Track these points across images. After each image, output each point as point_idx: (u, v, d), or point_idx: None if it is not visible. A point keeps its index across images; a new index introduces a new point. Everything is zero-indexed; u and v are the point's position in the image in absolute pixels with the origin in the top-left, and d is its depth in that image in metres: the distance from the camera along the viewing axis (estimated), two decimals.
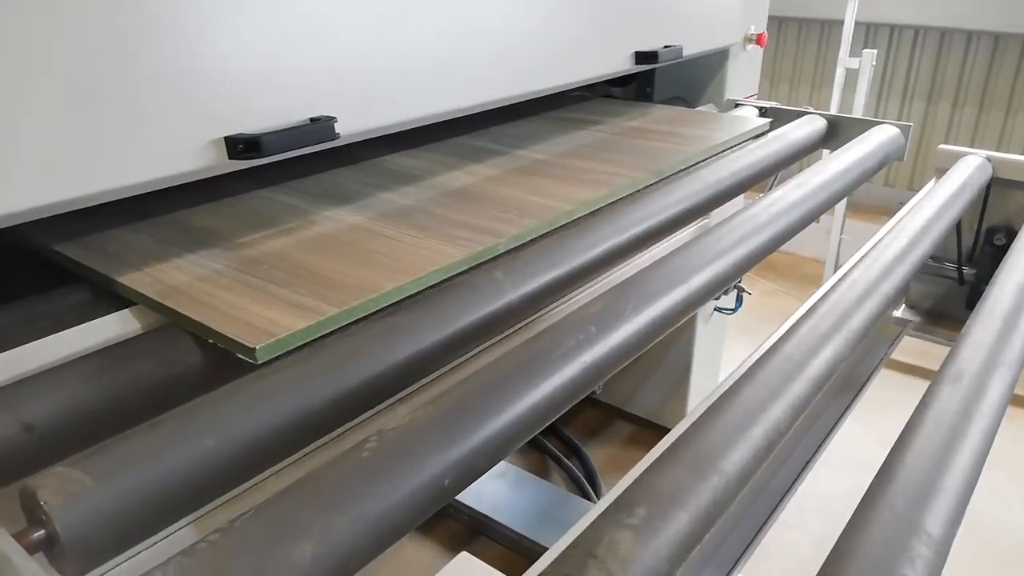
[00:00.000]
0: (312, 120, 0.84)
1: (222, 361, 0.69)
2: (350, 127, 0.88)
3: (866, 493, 0.53)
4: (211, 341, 0.68)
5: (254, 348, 0.63)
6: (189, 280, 0.76)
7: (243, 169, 0.81)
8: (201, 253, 0.83)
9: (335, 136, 0.84)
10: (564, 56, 1.22)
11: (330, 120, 0.84)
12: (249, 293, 0.73)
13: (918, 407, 0.62)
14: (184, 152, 0.75)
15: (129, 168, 0.72)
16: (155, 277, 0.77)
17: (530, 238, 0.89)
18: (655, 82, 1.83)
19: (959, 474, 0.54)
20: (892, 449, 0.57)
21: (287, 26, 0.81)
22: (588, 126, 1.38)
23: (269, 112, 0.82)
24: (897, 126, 1.55)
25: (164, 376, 0.68)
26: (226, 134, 0.77)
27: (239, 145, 0.78)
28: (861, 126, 1.55)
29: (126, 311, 0.74)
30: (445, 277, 0.79)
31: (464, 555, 0.47)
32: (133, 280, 0.76)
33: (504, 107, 1.17)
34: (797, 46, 3.72)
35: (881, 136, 1.45)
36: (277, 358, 0.65)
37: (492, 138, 1.29)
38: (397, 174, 1.11)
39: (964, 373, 0.65)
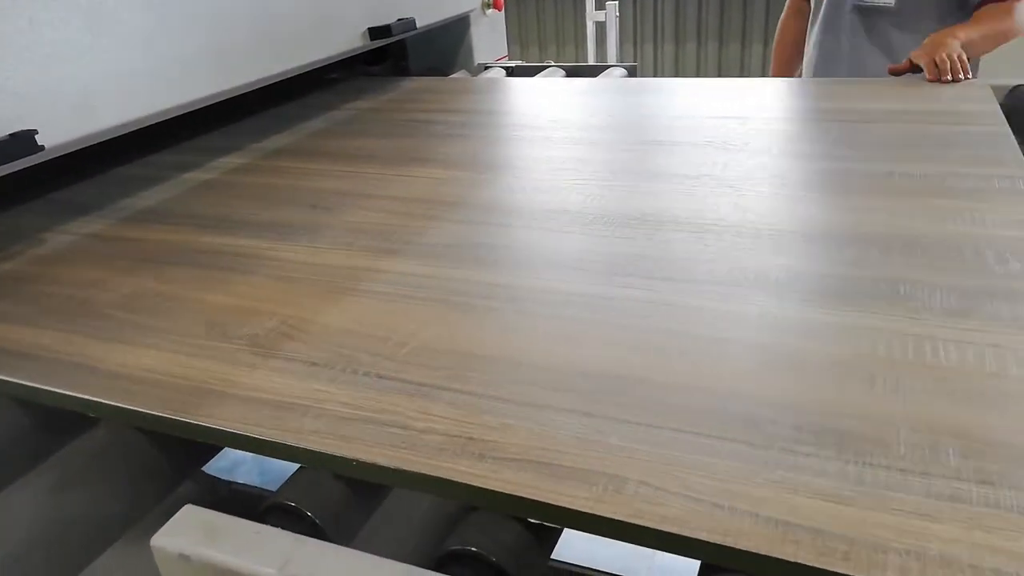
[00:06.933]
0: (11, 136, 0.82)
1: None
2: (57, 138, 0.86)
3: None
4: None
5: None
6: None
7: None
8: None
9: (38, 148, 0.82)
10: (294, 40, 1.23)
11: (29, 133, 0.82)
12: None
13: None
14: None
15: None
16: None
17: None
18: (408, 56, 1.88)
19: None
20: None
21: None
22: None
23: None
24: (624, 67, 1.70)
25: None
26: None
27: None
28: (594, 71, 1.69)
29: None
30: None
31: (189, 507, 0.50)
32: None
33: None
34: (555, 8, 3.92)
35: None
36: None
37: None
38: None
39: None
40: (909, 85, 1.23)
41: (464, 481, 0.47)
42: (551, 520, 0.46)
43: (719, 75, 3.71)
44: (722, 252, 0.73)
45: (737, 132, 1.06)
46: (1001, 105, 1.08)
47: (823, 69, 1.51)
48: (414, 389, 0.55)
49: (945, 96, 1.15)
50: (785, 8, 1.70)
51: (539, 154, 1.05)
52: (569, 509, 0.44)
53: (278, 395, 0.56)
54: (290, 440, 0.51)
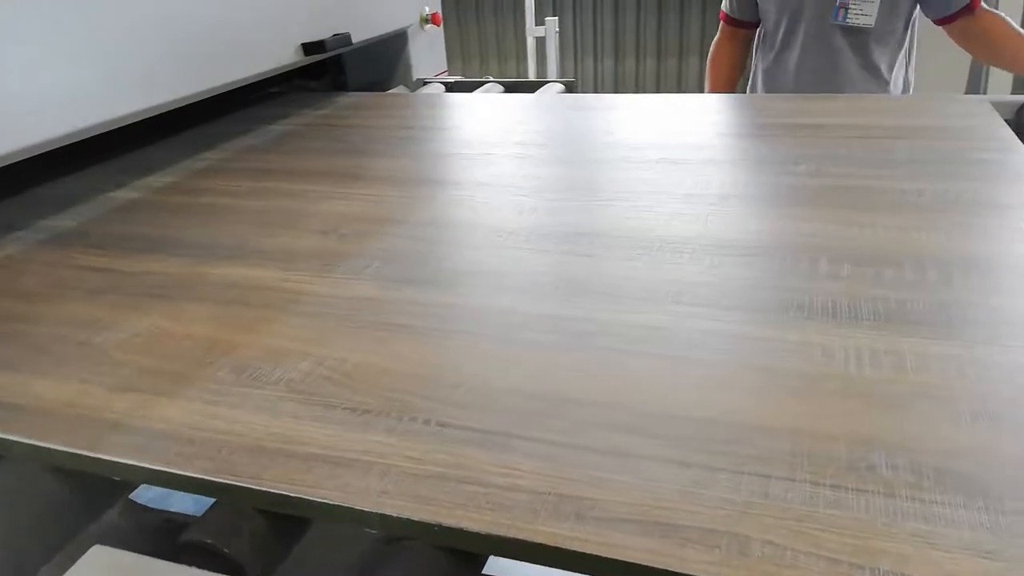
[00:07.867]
0: None
1: None
2: None
3: None
4: None
5: None
6: None
7: None
8: None
9: None
10: (226, 55, 1.21)
11: None
12: None
13: None
14: None
15: None
16: None
17: None
18: (347, 70, 1.86)
19: None
20: None
21: None
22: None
23: None
24: (563, 83, 1.72)
25: None
26: None
27: None
28: (532, 87, 1.71)
29: None
30: None
31: (97, 547, 0.48)
32: None
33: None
34: (496, 23, 3.94)
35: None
36: None
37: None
38: None
39: None
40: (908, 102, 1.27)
41: (567, 547, 0.41)
42: None
43: (657, 90, 3.78)
44: (764, 276, 0.69)
45: (732, 148, 1.09)
46: (1008, 121, 1.09)
47: (809, 87, 1.58)
48: (483, 438, 0.50)
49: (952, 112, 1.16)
50: (719, 33, 1.78)
51: (484, 172, 1.06)
52: None
53: (333, 449, 0.50)
54: (357, 504, 0.45)
